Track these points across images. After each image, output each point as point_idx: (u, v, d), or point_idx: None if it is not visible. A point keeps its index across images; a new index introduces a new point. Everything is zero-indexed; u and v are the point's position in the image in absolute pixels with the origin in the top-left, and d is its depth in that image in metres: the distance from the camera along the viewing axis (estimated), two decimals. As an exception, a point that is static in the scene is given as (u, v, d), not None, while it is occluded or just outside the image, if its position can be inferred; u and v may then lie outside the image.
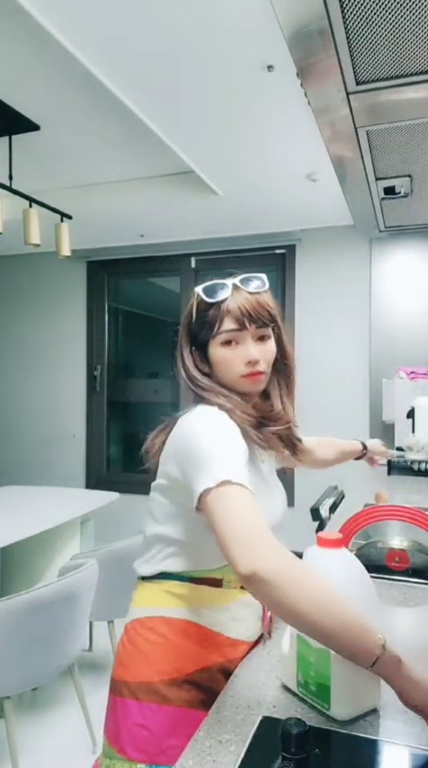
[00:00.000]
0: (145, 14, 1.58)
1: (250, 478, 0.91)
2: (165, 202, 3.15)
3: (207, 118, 2.19)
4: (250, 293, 1.04)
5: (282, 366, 1.14)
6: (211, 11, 1.56)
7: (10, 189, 2.45)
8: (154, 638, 1.01)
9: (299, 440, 1.15)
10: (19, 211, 2.56)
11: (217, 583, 1.00)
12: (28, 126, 2.32)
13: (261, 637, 1.06)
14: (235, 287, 1.04)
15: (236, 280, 1.05)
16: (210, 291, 1.04)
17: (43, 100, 2.14)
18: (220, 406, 1.01)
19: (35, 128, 2.34)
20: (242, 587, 1.01)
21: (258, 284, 1.06)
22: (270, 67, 1.82)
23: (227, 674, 0.97)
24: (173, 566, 1.03)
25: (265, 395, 1.14)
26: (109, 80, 1.92)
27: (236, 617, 1.02)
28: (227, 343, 1.02)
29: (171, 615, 1.01)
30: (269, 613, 1.06)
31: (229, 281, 1.04)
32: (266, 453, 1.12)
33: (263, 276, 1.08)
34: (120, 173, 2.91)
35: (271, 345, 1.07)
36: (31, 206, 2.56)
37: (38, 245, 2.57)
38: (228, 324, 1.01)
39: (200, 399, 1.05)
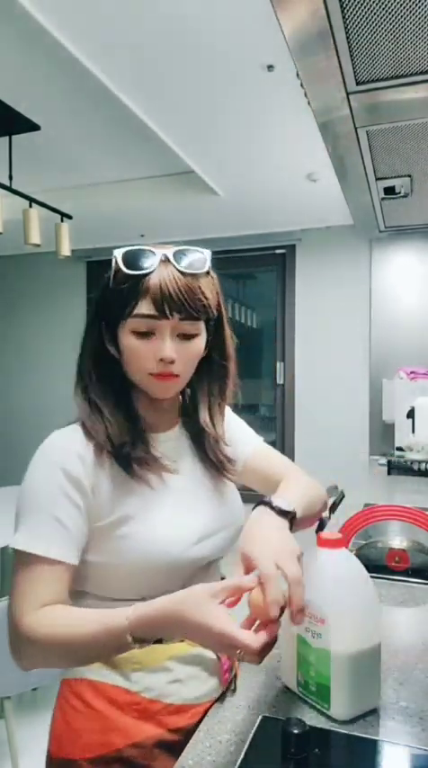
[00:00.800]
0: (145, 14, 1.58)
1: (134, 500, 0.82)
2: (165, 202, 3.15)
3: (207, 118, 2.20)
4: (181, 272, 0.80)
5: (219, 369, 0.94)
6: (211, 11, 1.56)
7: (10, 189, 2.45)
8: (79, 706, 0.85)
9: (228, 459, 0.95)
10: (19, 211, 2.56)
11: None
12: (28, 126, 2.32)
13: (223, 693, 0.87)
14: (164, 260, 0.80)
15: (169, 251, 0.81)
16: (131, 259, 0.80)
17: (43, 100, 2.13)
18: (83, 426, 0.85)
19: (35, 128, 2.34)
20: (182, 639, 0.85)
21: (195, 262, 0.82)
22: (270, 67, 1.82)
23: (167, 747, 0.81)
24: None
25: (193, 403, 0.95)
26: (109, 80, 1.92)
27: (179, 678, 0.84)
28: (140, 333, 0.81)
29: (97, 679, 0.85)
30: (231, 665, 0.90)
31: (159, 251, 0.80)
32: (196, 464, 0.94)
33: (206, 252, 0.85)
34: (120, 173, 2.91)
35: (196, 345, 0.84)
36: (31, 206, 2.56)
37: (38, 245, 2.57)
38: (144, 307, 0.79)
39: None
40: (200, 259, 0.83)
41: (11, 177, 2.48)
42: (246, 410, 4.22)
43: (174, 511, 0.87)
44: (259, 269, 4.08)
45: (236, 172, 2.76)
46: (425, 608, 1.19)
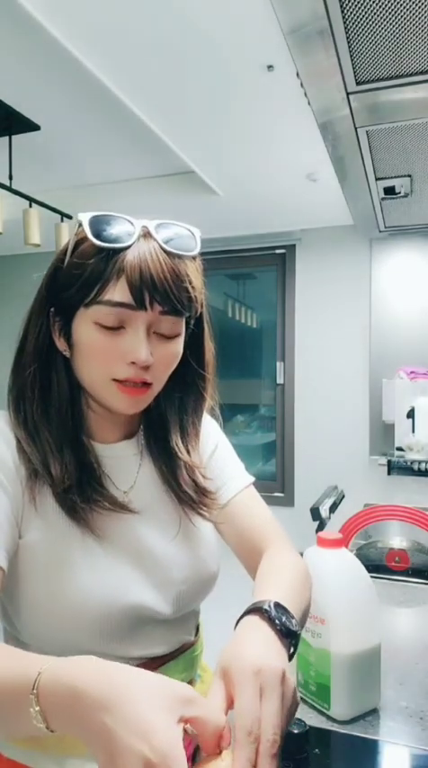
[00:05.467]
0: (145, 14, 1.58)
1: (48, 547, 0.65)
2: (165, 202, 3.15)
3: (207, 118, 2.19)
4: (167, 252, 0.63)
5: (195, 380, 0.75)
6: (211, 11, 1.56)
7: (10, 189, 2.45)
8: None
9: (207, 491, 0.76)
10: (19, 211, 2.57)
11: None
12: (28, 126, 2.32)
13: None
14: (145, 233, 0.63)
15: (150, 223, 0.64)
16: (102, 226, 0.62)
17: (43, 100, 2.13)
18: (17, 442, 0.66)
19: (35, 128, 2.34)
20: None
21: (183, 241, 0.65)
22: (270, 67, 1.82)
23: None
24: None
25: (159, 419, 0.76)
26: (109, 80, 1.92)
27: None
28: (107, 326, 0.63)
29: (20, 760, 0.67)
30: (193, 751, 0.62)
31: (138, 223, 0.64)
32: (155, 490, 0.76)
33: (195, 231, 0.67)
34: (120, 173, 2.90)
35: (176, 347, 0.68)
36: (31, 206, 2.56)
37: (38, 245, 2.57)
38: (117, 292, 0.61)
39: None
40: (188, 237, 0.66)
41: (11, 177, 2.48)
42: (246, 410, 4.22)
43: (114, 563, 0.69)
44: (259, 269, 4.08)
45: (236, 172, 2.76)
46: (425, 608, 1.19)
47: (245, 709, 0.47)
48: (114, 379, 0.65)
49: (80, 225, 0.63)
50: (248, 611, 0.59)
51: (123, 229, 0.62)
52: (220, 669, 0.52)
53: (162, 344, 0.66)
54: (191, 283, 0.65)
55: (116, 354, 0.64)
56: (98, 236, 0.61)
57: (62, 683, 0.44)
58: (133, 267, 0.61)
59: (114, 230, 0.62)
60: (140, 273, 0.61)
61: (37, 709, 0.44)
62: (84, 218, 0.63)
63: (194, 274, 0.66)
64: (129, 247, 0.62)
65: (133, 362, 0.63)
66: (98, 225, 0.62)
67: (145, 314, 0.63)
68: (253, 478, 0.85)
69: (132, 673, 0.45)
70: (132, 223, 0.63)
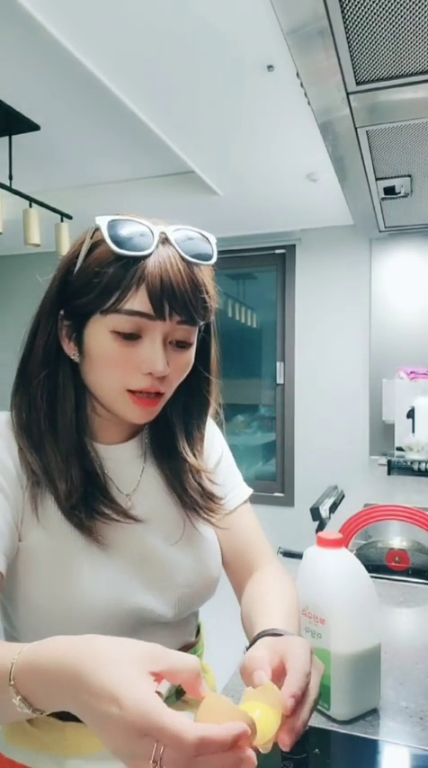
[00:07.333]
0: (145, 15, 1.58)
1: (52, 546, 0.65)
2: (165, 202, 3.15)
3: (207, 118, 2.20)
4: (187, 260, 0.62)
5: (201, 385, 0.75)
6: (211, 11, 1.56)
7: (10, 189, 2.45)
8: None
9: (214, 496, 0.76)
10: (19, 211, 2.57)
11: None
12: (28, 126, 2.32)
13: None
14: (163, 240, 0.62)
15: (168, 229, 0.62)
16: (122, 232, 0.60)
17: (43, 100, 2.13)
18: (20, 451, 0.65)
19: (35, 128, 2.34)
20: None
21: (201, 249, 0.63)
22: (270, 67, 1.82)
23: None
24: None
25: (164, 423, 0.75)
26: (109, 80, 1.92)
27: None
28: (123, 335, 0.61)
29: (19, 760, 0.67)
30: None
31: (156, 229, 0.62)
32: (158, 494, 0.75)
33: (210, 237, 0.65)
34: (120, 173, 2.90)
35: (189, 356, 0.67)
36: (31, 206, 2.56)
37: (38, 245, 2.57)
38: (137, 301, 0.60)
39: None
40: (204, 244, 0.64)
41: (11, 177, 2.48)
42: (246, 410, 4.22)
43: (116, 568, 0.68)
44: (259, 269, 4.08)
45: (236, 172, 2.76)
46: (425, 608, 1.19)
47: (304, 664, 0.51)
48: (128, 390, 0.64)
49: (97, 228, 0.61)
50: (270, 634, 0.60)
51: (142, 235, 0.60)
52: (270, 644, 0.54)
53: (176, 354, 0.65)
54: (207, 292, 0.64)
55: (132, 364, 0.62)
56: (117, 242, 0.59)
57: (34, 668, 0.45)
58: (154, 276, 0.59)
59: (133, 237, 0.60)
60: (161, 283, 0.59)
61: (18, 698, 0.45)
62: (102, 222, 0.60)
63: (210, 282, 0.65)
64: (149, 255, 0.60)
65: (149, 373, 0.62)
66: (116, 230, 0.60)
67: (162, 323, 0.62)
68: (252, 490, 0.86)
69: (99, 642, 0.44)
70: (150, 228, 0.61)
